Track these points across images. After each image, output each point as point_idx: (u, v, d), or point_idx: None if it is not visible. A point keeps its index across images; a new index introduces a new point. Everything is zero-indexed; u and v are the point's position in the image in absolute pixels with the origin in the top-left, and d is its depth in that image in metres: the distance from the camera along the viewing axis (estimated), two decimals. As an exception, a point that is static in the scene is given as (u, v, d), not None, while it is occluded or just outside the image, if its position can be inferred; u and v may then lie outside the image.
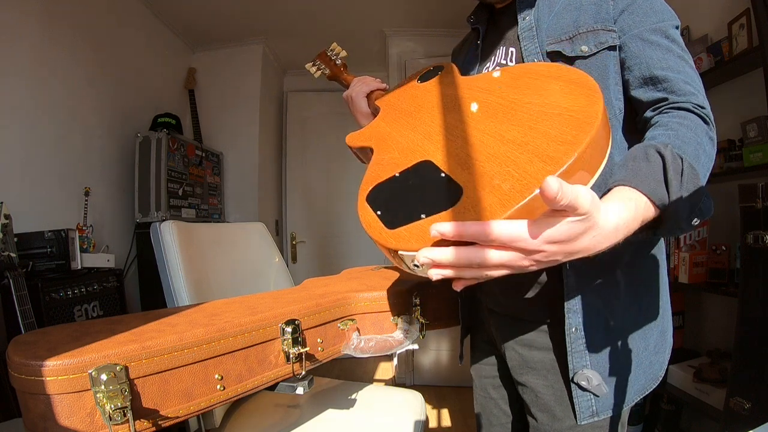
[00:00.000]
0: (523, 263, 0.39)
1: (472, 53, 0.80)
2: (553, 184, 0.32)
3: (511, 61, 0.69)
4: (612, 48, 0.60)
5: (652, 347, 0.65)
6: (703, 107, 0.55)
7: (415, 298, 0.84)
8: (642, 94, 0.59)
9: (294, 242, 3.46)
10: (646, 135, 0.56)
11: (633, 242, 0.54)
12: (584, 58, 0.60)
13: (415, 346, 0.86)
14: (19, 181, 1.63)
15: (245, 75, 3.01)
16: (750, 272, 1.20)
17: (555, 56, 0.62)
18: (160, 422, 0.50)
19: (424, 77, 0.75)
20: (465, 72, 0.79)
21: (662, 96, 0.57)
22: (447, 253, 0.38)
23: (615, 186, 0.46)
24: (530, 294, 0.67)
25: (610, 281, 0.62)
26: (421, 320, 0.83)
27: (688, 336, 1.70)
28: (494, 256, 0.37)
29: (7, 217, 1.20)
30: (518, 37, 0.67)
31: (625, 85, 0.61)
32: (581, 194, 0.35)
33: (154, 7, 2.49)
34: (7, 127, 1.60)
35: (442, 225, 0.37)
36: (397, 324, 0.80)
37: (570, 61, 0.61)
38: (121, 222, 2.23)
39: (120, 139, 2.24)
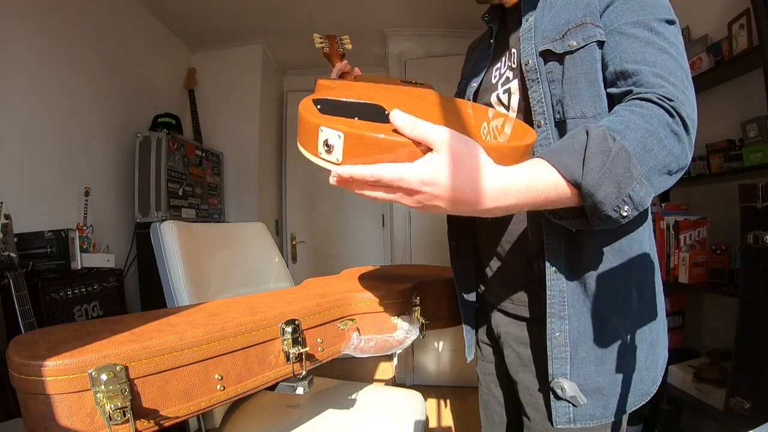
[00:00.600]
0: (405, 202, 0.45)
1: (485, 51, 0.81)
2: (407, 119, 0.42)
3: (514, 63, 0.70)
4: (600, 44, 0.58)
5: (642, 361, 0.62)
6: (670, 99, 0.50)
7: (415, 298, 0.84)
8: (613, 90, 0.57)
9: (294, 242, 3.46)
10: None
11: (607, 242, 0.57)
12: (572, 52, 0.59)
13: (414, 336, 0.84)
14: (19, 181, 1.62)
15: (245, 75, 3.01)
16: (750, 272, 1.20)
17: (547, 54, 0.62)
18: (160, 422, 0.50)
19: (408, 83, 0.83)
20: (476, 68, 0.81)
21: (627, 89, 0.54)
22: (352, 169, 0.44)
23: (534, 158, 0.48)
24: (526, 292, 0.68)
25: (602, 290, 0.60)
26: (421, 320, 0.83)
27: (688, 336, 1.70)
28: (379, 190, 0.45)
29: (7, 217, 1.20)
30: (519, 38, 0.67)
31: (604, 83, 0.58)
32: (436, 131, 0.42)
33: (154, 7, 2.49)
34: (8, 127, 1.59)
35: (342, 168, 0.45)
36: (397, 324, 0.80)
37: (560, 57, 0.60)
38: (121, 222, 2.23)
39: (120, 139, 2.24)
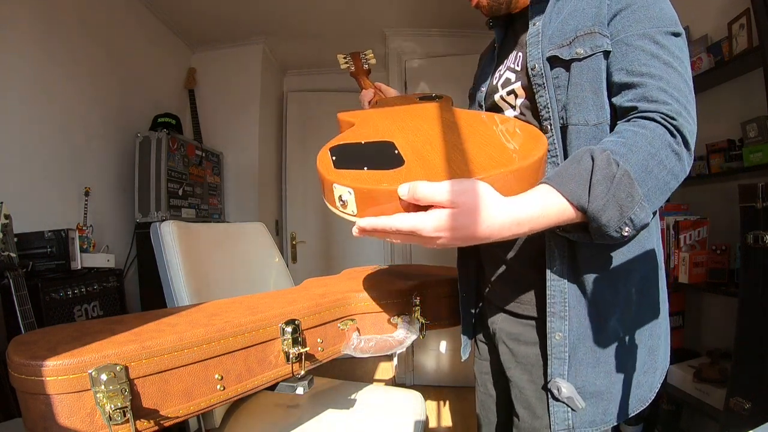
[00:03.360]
0: (428, 245, 0.47)
1: (490, 56, 0.83)
2: (402, 188, 0.45)
3: (517, 65, 0.70)
4: (607, 54, 0.59)
5: (641, 366, 0.62)
6: (673, 118, 0.52)
7: (415, 298, 0.84)
8: (617, 100, 0.58)
9: (294, 242, 3.46)
10: (603, 140, 0.55)
11: (616, 248, 0.58)
12: (579, 60, 0.60)
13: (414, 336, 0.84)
14: (19, 181, 1.62)
15: (245, 75, 3.01)
16: (750, 272, 1.20)
17: (553, 60, 0.63)
18: (160, 422, 0.50)
19: (424, 98, 0.85)
20: (484, 73, 0.82)
21: (632, 105, 0.56)
22: (372, 222, 0.47)
23: (540, 183, 0.50)
24: (523, 290, 0.68)
25: (603, 291, 0.60)
26: (421, 320, 0.83)
27: (688, 336, 1.70)
28: (400, 238, 0.48)
29: (7, 217, 1.20)
30: (526, 42, 0.67)
31: (608, 92, 0.60)
32: (434, 190, 0.44)
33: (154, 7, 2.49)
34: (7, 127, 1.59)
35: (363, 221, 0.48)
36: (397, 324, 0.80)
37: (566, 64, 0.61)
38: (121, 222, 2.23)
39: (120, 139, 2.24)
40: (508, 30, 0.79)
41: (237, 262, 1.28)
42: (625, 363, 0.61)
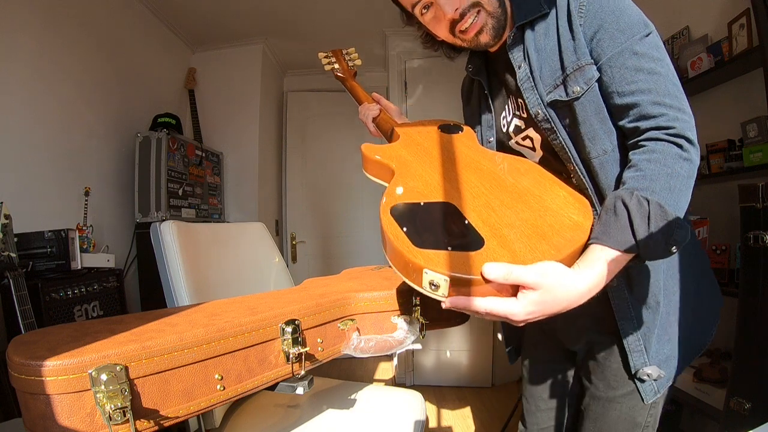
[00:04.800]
0: (519, 326, 0.55)
1: (484, 104, 0.84)
2: (497, 273, 0.49)
3: (523, 112, 0.73)
4: (599, 79, 0.63)
5: (686, 324, 0.69)
6: (672, 127, 0.57)
7: (415, 298, 0.83)
8: (620, 122, 0.63)
9: (294, 242, 3.46)
10: (623, 175, 0.60)
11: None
12: (578, 99, 0.64)
13: (418, 346, 0.87)
14: (19, 181, 1.63)
15: (245, 75, 3.01)
16: (750, 272, 1.20)
17: (556, 105, 0.66)
18: (160, 422, 0.50)
19: (445, 129, 0.85)
20: (486, 120, 0.84)
21: (634, 126, 0.60)
22: (465, 302, 0.52)
23: (591, 243, 0.56)
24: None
25: (660, 283, 0.66)
26: (421, 320, 0.83)
27: (688, 336, 1.70)
28: (488, 318, 0.53)
29: (7, 217, 1.20)
30: (518, 87, 0.70)
31: (609, 114, 0.64)
32: (524, 274, 0.50)
33: (154, 7, 2.49)
34: (7, 127, 1.60)
35: (455, 300, 0.52)
36: (397, 324, 0.79)
37: (568, 104, 0.65)
38: (121, 222, 2.23)
39: (120, 139, 2.24)
40: (489, 70, 0.82)
41: (237, 262, 1.28)
42: (683, 325, 0.69)
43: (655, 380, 0.67)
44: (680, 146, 0.57)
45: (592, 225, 0.57)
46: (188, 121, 2.81)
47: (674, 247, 0.53)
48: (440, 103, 2.71)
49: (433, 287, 0.52)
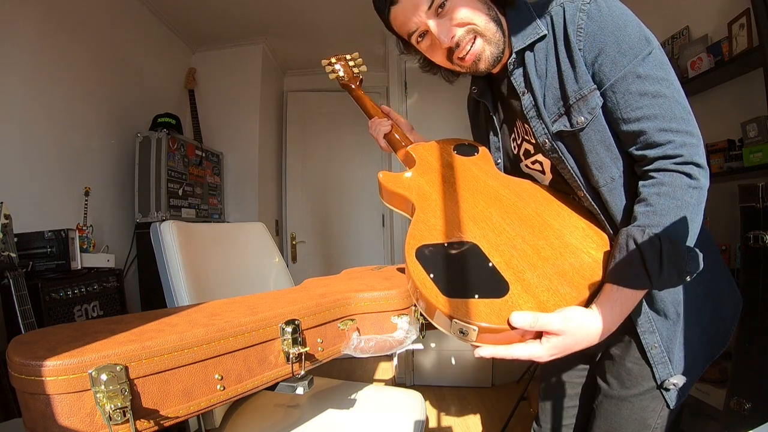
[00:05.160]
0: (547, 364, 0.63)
1: (491, 126, 0.84)
2: (523, 321, 0.52)
3: (532, 138, 0.73)
4: (603, 105, 0.62)
5: (707, 329, 0.70)
6: (679, 155, 0.57)
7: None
8: (630, 149, 0.62)
9: (294, 242, 3.46)
10: (634, 208, 0.61)
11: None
12: (582, 129, 0.63)
13: (420, 346, 0.88)
14: (19, 181, 1.63)
15: (245, 75, 3.01)
16: (750, 272, 1.20)
17: (562, 135, 0.66)
18: (160, 422, 0.50)
19: (461, 150, 0.84)
20: (493, 142, 0.84)
21: (642, 154, 0.60)
22: (492, 351, 0.56)
23: (606, 284, 0.57)
24: None
25: (679, 296, 0.67)
26: (421, 320, 0.83)
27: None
28: (516, 361, 0.57)
29: (7, 217, 1.20)
30: (524, 114, 0.70)
31: (616, 139, 0.64)
32: (549, 322, 0.53)
33: (153, 6, 2.49)
34: (7, 127, 1.60)
35: (483, 350, 0.56)
36: (397, 324, 0.79)
37: (573, 134, 0.64)
38: (121, 222, 2.23)
39: (120, 139, 2.24)
40: (494, 91, 0.81)
41: (237, 262, 1.27)
42: (704, 330, 0.70)
43: (679, 388, 0.68)
44: (689, 175, 0.58)
45: (607, 257, 0.60)
46: (188, 121, 2.81)
47: (688, 277, 0.55)
48: (440, 103, 2.71)
49: (462, 334, 0.55)
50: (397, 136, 0.94)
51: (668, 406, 0.69)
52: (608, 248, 0.62)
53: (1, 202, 1.19)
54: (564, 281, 0.58)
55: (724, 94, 1.55)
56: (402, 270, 0.93)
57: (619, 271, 0.57)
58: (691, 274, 0.55)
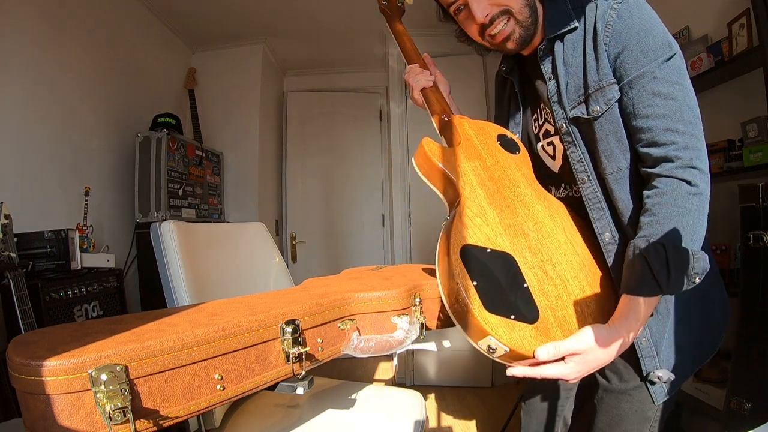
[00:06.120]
0: (574, 382, 0.62)
1: (514, 102, 0.87)
2: (548, 352, 0.57)
3: (551, 120, 0.76)
4: (620, 99, 0.65)
5: (696, 330, 0.73)
6: (679, 157, 0.60)
7: (415, 298, 0.83)
8: (636, 145, 0.66)
9: (294, 242, 3.46)
10: (640, 219, 0.64)
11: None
12: (597, 118, 0.66)
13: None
14: (19, 181, 1.63)
15: (245, 75, 3.01)
16: (750, 272, 1.20)
17: (578, 121, 0.69)
18: (160, 422, 0.50)
19: (505, 144, 0.82)
20: (511, 116, 0.87)
21: (646, 152, 0.64)
22: (523, 371, 0.60)
23: (621, 293, 0.61)
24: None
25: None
26: (421, 320, 0.83)
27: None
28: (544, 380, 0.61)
29: (7, 217, 1.20)
30: (548, 99, 0.74)
31: (627, 133, 0.67)
32: (568, 347, 0.57)
33: (154, 7, 2.49)
34: (7, 127, 1.60)
35: (515, 369, 0.61)
36: (397, 324, 0.79)
37: (589, 121, 0.67)
38: (121, 222, 2.23)
39: (120, 139, 2.24)
40: (521, 71, 0.84)
41: (237, 262, 1.27)
42: (693, 330, 0.72)
43: (665, 383, 0.70)
44: (689, 182, 0.61)
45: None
46: (188, 121, 2.81)
47: (696, 279, 0.58)
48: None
49: (491, 350, 0.58)
50: (437, 97, 0.87)
51: (653, 401, 0.71)
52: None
53: (1, 202, 1.19)
54: (594, 311, 0.63)
55: (724, 94, 1.55)
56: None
57: (629, 283, 0.60)
58: (700, 275, 0.58)
